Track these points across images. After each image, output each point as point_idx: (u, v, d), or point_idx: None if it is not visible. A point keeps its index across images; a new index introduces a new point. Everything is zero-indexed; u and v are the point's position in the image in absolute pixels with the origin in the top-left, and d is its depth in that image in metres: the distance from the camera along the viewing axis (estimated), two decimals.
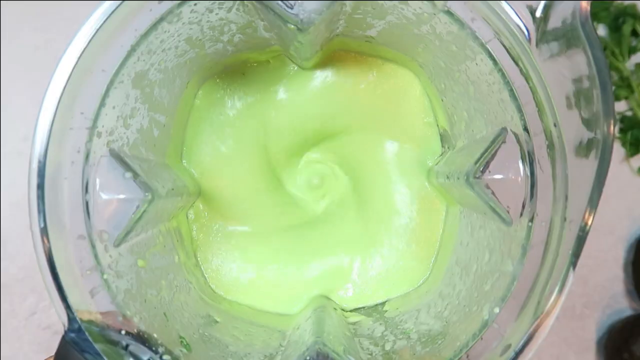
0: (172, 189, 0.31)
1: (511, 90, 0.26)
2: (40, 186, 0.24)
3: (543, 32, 0.25)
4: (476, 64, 0.28)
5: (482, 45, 0.26)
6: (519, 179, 0.26)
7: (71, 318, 0.24)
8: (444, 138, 0.37)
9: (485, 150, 0.27)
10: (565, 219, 0.25)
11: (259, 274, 0.37)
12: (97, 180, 0.25)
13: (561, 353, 0.47)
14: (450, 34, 0.28)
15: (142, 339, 0.26)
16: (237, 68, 0.37)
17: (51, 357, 0.30)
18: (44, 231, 0.24)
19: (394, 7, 0.28)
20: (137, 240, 0.28)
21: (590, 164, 0.23)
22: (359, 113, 0.37)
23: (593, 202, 0.23)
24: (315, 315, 0.32)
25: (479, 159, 0.27)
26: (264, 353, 0.31)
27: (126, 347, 0.25)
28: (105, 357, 0.24)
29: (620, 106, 0.47)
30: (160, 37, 0.27)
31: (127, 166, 0.26)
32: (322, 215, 0.38)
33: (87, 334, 0.24)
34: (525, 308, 0.25)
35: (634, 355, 0.43)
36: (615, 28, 0.46)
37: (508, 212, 0.26)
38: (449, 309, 0.30)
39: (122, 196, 0.26)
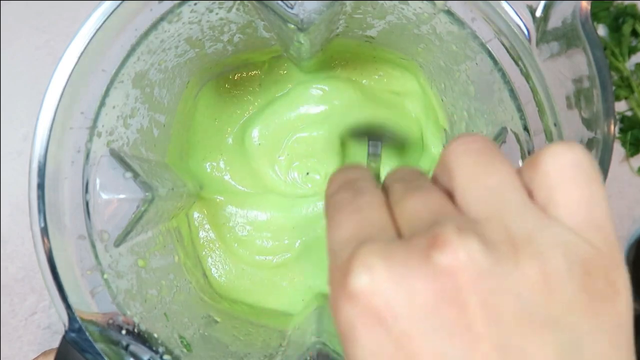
0: (172, 189, 0.31)
1: (511, 90, 0.26)
2: (41, 186, 0.24)
3: (543, 32, 0.25)
4: (476, 63, 0.28)
5: (482, 45, 0.26)
6: None
7: (71, 318, 0.24)
8: (444, 138, 0.37)
9: None
10: None
11: (260, 273, 0.37)
12: (98, 180, 0.25)
13: None
14: (451, 33, 0.28)
15: (142, 338, 0.26)
16: (237, 68, 0.37)
17: (47, 351, 0.30)
18: (44, 231, 0.24)
19: (394, 7, 0.28)
20: (137, 240, 0.28)
21: None
22: (358, 113, 0.37)
23: None
24: (316, 315, 0.32)
25: None
26: (264, 353, 0.31)
27: (127, 347, 0.25)
28: (105, 357, 0.24)
29: (620, 106, 0.47)
30: (161, 37, 0.27)
31: (127, 166, 0.26)
32: (324, 214, 0.38)
33: (87, 333, 0.24)
34: None
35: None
36: (615, 28, 0.46)
37: None
38: None
39: (122, 196, 0.26)
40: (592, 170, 0.15)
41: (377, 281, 0.14)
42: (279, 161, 0.38)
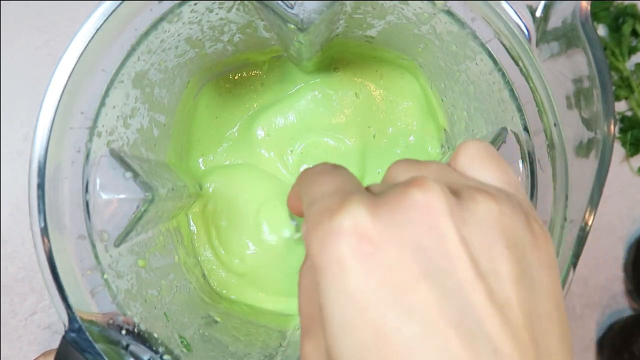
0: (172, 189, 0.31)
1: (511, 90, 0.26)
2: (41, 186, 0.24)
3: (543, 32, 0.25)
4: (476, 63, 0.28)
5: (482, 45, 0.26)
6: (520, 178, 0.26)
7: (71, 318, 0.24)
8: (444, 138, 0.37)
9: None
10: (565, 219, 0.25)
11: (260, 272, 0.37)
12: (97, 180, 0.25)
13: None
14: (451, 33, 0.28)
15: (142, 338, 0.26)
16: (238, 68, 0.37)
17: (47, 352, 0.30)
18: (44, 231, 0.24)
19: (394, 7, 0.28)
20: (137, 240, 0.28)
21: (590, 164, 0.23)
22: (358, 113, 0.37)
23: (593, 201, 0.23)
24: None
25: None
26: (264, 353, 0.31)
27: (126, 347, 0.25)
28: (105, 357, 0.24)
29: (620, 106, 0.47)
30: (161, 37, 0.27)
31: (127, 166, 0.26)
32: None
33: (87, 333, 0.24)
34: None
35: (634, 355, 0.43)
36: (615, 28, 0.46)
37: None
38: None
39: (122, 196, 0.26)
40: (495, 151, 0.19)
41: (372, 215, 0.16)
42: (281, 159, 0.38)
